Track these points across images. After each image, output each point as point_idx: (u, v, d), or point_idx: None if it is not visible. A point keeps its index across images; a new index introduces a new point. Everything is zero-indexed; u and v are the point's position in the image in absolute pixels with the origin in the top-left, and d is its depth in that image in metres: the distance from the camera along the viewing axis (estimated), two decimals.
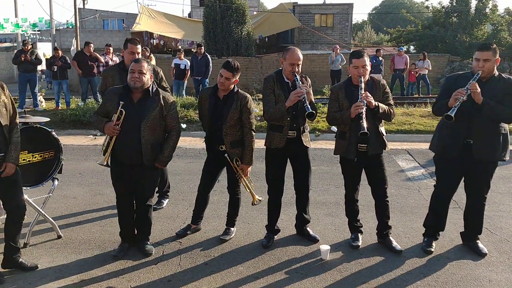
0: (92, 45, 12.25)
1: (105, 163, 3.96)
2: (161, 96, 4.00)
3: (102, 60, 12.26)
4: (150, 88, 3.97)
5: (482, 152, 3.94)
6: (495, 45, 3.94)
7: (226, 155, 4.28)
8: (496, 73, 3.96)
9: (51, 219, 4.52)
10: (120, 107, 3.84)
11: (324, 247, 4.11)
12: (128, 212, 4.19)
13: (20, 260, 3.86)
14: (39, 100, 12.75)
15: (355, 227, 4.44)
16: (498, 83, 3.91)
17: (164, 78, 5.14)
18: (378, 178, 4.24)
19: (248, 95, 4.34)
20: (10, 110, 3.66)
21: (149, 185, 4.17)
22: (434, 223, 4.33)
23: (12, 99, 3.75)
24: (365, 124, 3.78)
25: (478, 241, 4.24)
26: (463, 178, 4.20)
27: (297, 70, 4.12)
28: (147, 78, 3.91)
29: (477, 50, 3.94)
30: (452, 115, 3.70)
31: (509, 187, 6.21)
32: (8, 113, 3.63)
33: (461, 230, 4.41)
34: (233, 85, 4.28)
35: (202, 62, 12.99)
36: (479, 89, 3.78)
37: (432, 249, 4.22)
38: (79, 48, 18.16)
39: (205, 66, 12.97)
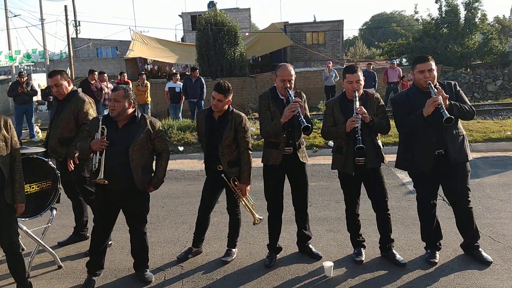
0: (96, 73, 12.16)
1: (102, 177, 3.76)
2: (147, 120, 4.01)
3: (106, 90, 12.17)
4: (136, 114, 3.97)
5: (457, 155, 4.01)
6: (430, 56, 4.14)
7: (223, 175, 4.27)
8: (437, 83, 4.07)
9: (50, 249, 4.47)
10: (100, 123, 3.85)
11: (328, 264, 4.07)
12: (103, 242, 4.07)
13: None
14: (36, 131, 12.78)
15: (357, 242, 4.40)
16: (445, 89, 4.03)
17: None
18: (378, 192, 4.23)
19: (243, 114, 4.36)
20: (10, 146, 3.61)
21: (141, 212, 4.10)
22: (429, 234, 4.30)
23: (15, 135, 3.69)
24: (360, 138, 3.80)
25: (480, 249, 4.20)
26: (443, 189, 4.24)
27: (289, 86, 4.13)
28: (123, 106, 3.87)
29: (418, 63, 4.06)
30: (451, 115, 3.72)
31: (510, 194, 6.20)
32: (7, 149, 3.58)
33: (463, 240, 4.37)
34: (227, 106, 4.30)
35: (197, 84, 13.06)
36: (445, 95, 3.89)
37: (436, 260, 4.18)
38: (73, 77, 18.27)
39: (200, 88, 13.04)
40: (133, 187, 3.90)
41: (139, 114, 4.01)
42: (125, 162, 3.84)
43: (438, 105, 3.80)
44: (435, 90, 3.90)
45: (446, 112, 3.74)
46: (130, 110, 3.94)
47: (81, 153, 4.17)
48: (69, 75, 4.85)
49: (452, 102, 3.92)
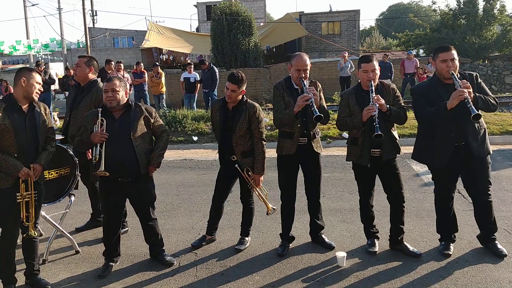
0: (113, 63, 12.28)
1: (103, 169, 3.78)
2: (143, 108, 4.09)
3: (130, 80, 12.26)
4: (130, 102, 4.06)
5: (480, 150, 3.96)
6: (452, 45, 4.06)
7: (236, 165, 4.31)
8: (458, 74, 4.00)
9: (68, 234, 4.58)
10: (99, 114, 3.89)
11: (340, 254, 4.09)
12: (116, 231, 4.15)
13: (37, 277, 3.91)
14: (54, 119, 12.96)
15: (371, 233, 4.41)
16: (466, 80, 3.94)
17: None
18: (393, 183, 4.20)
19: (257, 105, 4.37)
20: (47, 127, 3.92)
21: (148, 199, 4.17)
22: (445, 227, 4.28)
23: (50, 119, 3.99)
24: (378, 126, 3.78)
25: (496, 242, 4.18)
26: (462, 182, 4.19)
27: (303, 75, 4.12)
28: (122, 95, 3.95)
29: (441, 52, 3.97)
30: (479, 112, 3.64)
31: None
32: (44, 130, 3.86)
33: (478, 232, 4.34)
34: (241, 96, 4.31)
35: (208, 75, 13.11)
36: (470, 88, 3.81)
37: (450, 252, 4.17)
38: None
39: (211, 79, 13.08)
40: (138, 174, 3.97)
41: (133, 103, 4.09)
42: (130, 150, 3.90)
43: (464, 99, 3.69)
44: (459, 82, 3.80)
45: (474, 108, 3.62)
46: (125, 99, 4.01)
47: (80, 147, 4.17)
48: (96, 64, 4.87)
49: (476, 94, 3.84)
